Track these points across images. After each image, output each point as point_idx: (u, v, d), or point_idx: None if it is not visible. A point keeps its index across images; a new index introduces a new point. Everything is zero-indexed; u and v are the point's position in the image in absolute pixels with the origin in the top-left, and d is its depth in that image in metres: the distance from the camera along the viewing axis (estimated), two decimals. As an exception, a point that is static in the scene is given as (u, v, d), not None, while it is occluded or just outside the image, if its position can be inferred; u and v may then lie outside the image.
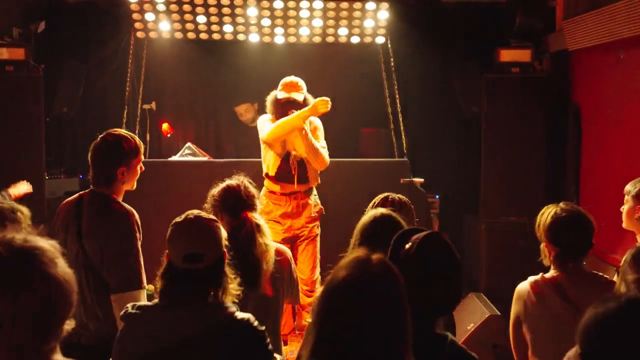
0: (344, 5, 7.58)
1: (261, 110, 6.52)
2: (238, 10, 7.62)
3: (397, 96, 7.66)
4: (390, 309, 1.90)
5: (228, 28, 7.77)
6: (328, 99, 5.72)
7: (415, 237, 2.43)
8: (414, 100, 8.20)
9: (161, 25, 7.69)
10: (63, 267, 1.83)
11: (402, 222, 3.24)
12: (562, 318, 3.26)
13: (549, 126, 7.41)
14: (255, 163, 6.21)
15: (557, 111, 7.46)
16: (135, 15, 7.58)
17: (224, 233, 3.01)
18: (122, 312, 2.87)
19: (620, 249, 4.11)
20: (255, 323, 2.82)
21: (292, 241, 5.95)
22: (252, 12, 7.64)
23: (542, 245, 3.52)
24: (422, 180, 6.90)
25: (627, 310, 1.85)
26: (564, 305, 3.31)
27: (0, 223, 3.47)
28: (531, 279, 3.50)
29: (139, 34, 7.73)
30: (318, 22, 7.73)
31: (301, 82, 5.93)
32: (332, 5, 7.60)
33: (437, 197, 8.06)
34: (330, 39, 7.93)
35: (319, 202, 6.08)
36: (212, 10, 7.59)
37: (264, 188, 5.92)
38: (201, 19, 7.66)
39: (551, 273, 3.46)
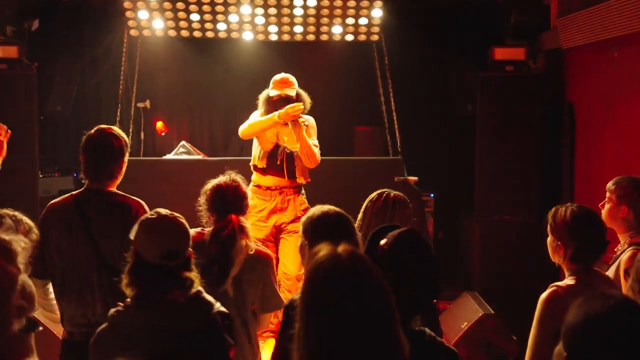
0: (338, 3, 7.57)
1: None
2: (231, 8, 7.60)
3: (391, 94, 7.66)
4: (372, 293, 1.88)
5: (222, 26, 7.77)
6: (299, 103, 5.64)
7: (391, 234, 2.42)
8: (408, 99, 8.19)
9: (154, 23, 7.68)
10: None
11: (348, 218, 3.15)
12: None
13: (544, 124, 7.41)
14: (249, 161, 6.20)
15: (551, 109, 7.46)
16: (128, 13, 7.56)
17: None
18: (109, 312, 2.87)
19: (612, 247, 4.09)
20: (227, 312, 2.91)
21: (275, 235, 5.87)
22: (245, 10, 7.63)
23: (551, 242, 3.40)
24: (416, 178, 6.89)
25: (617, 313, 1.84)
26: None
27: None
28: (553, 286, 3.25)
29: (133, 32, 7.72)
30: (312, 20, 7.72)
31: (292, 78, 5.88)
32: (325, 3, 7.59)
33: (432, 195, 8.05)
34: (324, 37, 7.92)
35: (305, 201, 5.95)
36: (206, 7, 7.58)
37: (250, 183, 5.88)
38: (195, 16, 7.65)
39: (567, 282, 3.27)
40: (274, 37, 7.91)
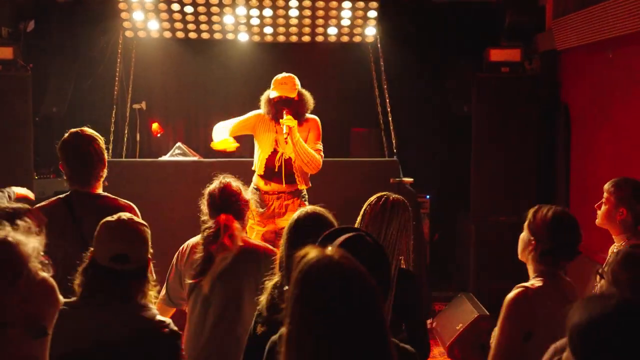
0: (333, 4, 7.57)
1: None
2: (227, 9, 7.59)
3: (386, 96, 7.66)
4: (363, 296, 1.88)
5: (217, 27, 7.76)
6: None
7: (337, 240, 2.37)
8: (404, 100, 8.18)
9: (150, 24, 7.67)
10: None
11: (331, 220, 3.14)
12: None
13: (539, 126, 7.42)
14: (244, 162, 6.19)
15: (547, 111, 7.47)
16: (123, 15, 7.55)
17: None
18: None
19: (606, 248, 4.10)
20: (172, 326, 2.90)
21: (275, 240, 5.76)
22: (240, 11, 7.63)
23: (525, 238, 3.40)
24: (411, 180, 6.89)
25: (626, 314, 1.82)
26: (560, 308, 3.21)
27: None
28: (519, 286, 3.25)
29: (128, 33, 7.71)
30: (307, 22, 7.72)
31: (293, 79, 5.78)
32: (321, 4, 7.59)
33: (428, 197, 8.05)
34: (319, 38, 7.92)
35: (306, 204, 5.82)
36: (201, 9, 7.57)
37: (251, 184, 5.88)
38: (190, 18, 7.64)
39: (534, 282, 3.26)
40: (269, 38, 7.91)
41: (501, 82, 7.38)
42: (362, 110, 8.48)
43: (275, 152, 5.76)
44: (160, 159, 7.39)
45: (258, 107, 5.90)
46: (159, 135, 8.71)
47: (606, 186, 4.00)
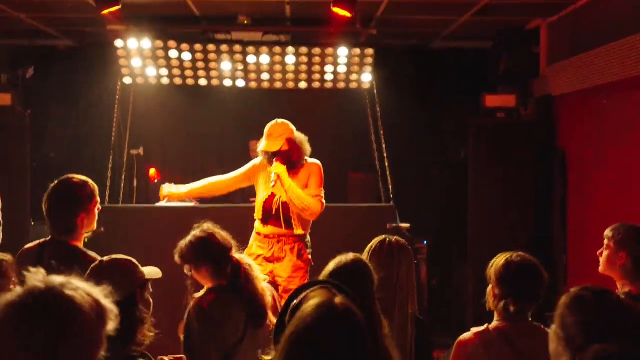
0: (330, 51, 7.63)
1: None
2: (224, 56, 7.65)
3: (383, 141, 7.69)
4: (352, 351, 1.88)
5: (214, 74, 7.81)
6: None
7: (304, 296, 2.35)
8: (400, 145, 8.22)
9: (148, 71, 7.72)
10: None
11: (370, 269, 3.13)
12: None
13: (535, 171, 7.44)
14: (241, 209, 6.18)
15: (542, 156, 7.50)
16: (122, 61, 7.60)
17: (155, 275, 3.08)
18: None
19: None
20: None
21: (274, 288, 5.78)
22: (238, 58, 7.68)
23: (489, 289, 3.44)
24: (408, 225, 6.87)
25: None
26: (514, 357, 3.21)
27: None
28: (475, 330, 3.37)
29: (126, 80, 7.76)
30: (304, 68, 7.78)
31: (278, 129, 5.63)
32: (317, 51, 7.65)
33: (425, 242, 8.02)
34: (316, 85, 7.97)
35: (308, 251, 5.75)
36: (198, 56, 7.62)
37: (253, 231, 5.84)
38: (187, 64, 7.69)
39: (495, 324, 3.34)
40: (266, 85, 7.96)
41: (497, 127, 7.42)
42: (358, 156, 8.50)
43: (273, 195, 5.68)
44: (157, 204, 7.38)
45: (255, 152, 5.89)
46: (156, 181, 8.71)
47: (606, 232, 3.98)
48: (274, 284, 5.63)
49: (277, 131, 5.62)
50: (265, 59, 7.68)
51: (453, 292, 8.14)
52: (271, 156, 5.61)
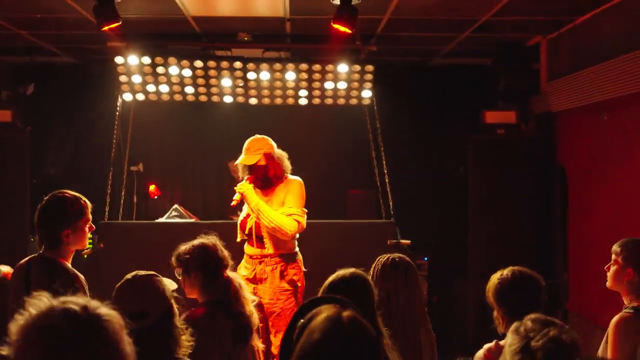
0: (330, 67, 7.65)
1: None
2: (224, 73, 7.66)
3: (383, 157, 7.69)
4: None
5: (215, 90, 7.81)
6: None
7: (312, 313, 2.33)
8: (400, 161, 8.22)
9: (148, 88, 7.73)
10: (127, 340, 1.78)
11: (370, 284, 3.13)
12: None
13: (536, 187, 7.44)
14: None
15: (543, 172, 7.49)
16: (122, 78, 7.61)
17: (169, 286, 3.04)
18: None
19: (608, 310, 4.05)
20: None
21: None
22: (238, 74, 7.69)
23: (495, 312, 3.45)
24: (408, 242, 6.86)
25: None
26: None
27: None
28: (486, 346, 3.38)
29: (126, 96, 7.77)
30: (304, 84, 7.79)
31: (257, 143, 5.56)
32: (317, 67, 7.66)
33: (426, 259, 8.00)
34: (316, 101, 7.97)
35: (295, 271, 5.53)
36: (199, 72, 7.63)
37: None
38: (188, 81, 7.70)
39: (496, 344, 3.34)
40: (266, 101, 7.97)
41: (497, 144, 7.42)
42: (359, 172, 8.50)
43: (248, 215, 5.55)
44: (157, 220, 7.37)
45: (235, 172, 5.85)
46: (156, 197, 8.72)
47: (614, 247, 3.96)
48: (260, 305, 5.40)
49: (255, 145, 5.55)
50: (265, 75, 7.69)
51: (454, 308, 8.11)
52: (248, 170, 5.55)
